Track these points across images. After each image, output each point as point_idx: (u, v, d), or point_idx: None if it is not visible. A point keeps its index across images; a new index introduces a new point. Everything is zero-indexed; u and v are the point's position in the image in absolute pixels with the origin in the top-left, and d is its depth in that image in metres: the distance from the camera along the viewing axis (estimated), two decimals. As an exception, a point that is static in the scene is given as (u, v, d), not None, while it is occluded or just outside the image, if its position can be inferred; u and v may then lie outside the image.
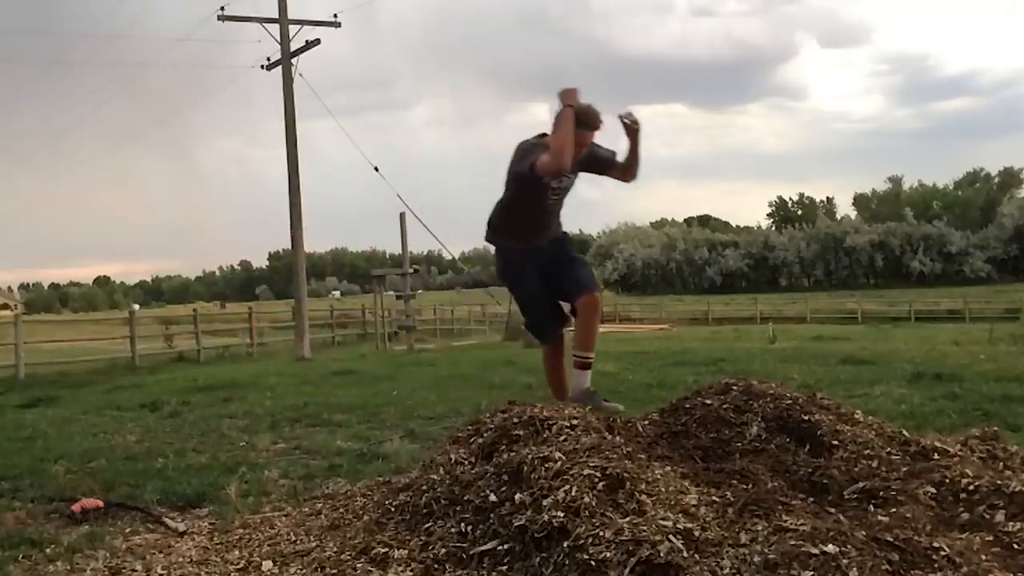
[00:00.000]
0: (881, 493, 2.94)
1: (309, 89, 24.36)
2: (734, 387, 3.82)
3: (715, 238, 73.14)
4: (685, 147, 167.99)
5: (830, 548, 2.22)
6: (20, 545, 3.46)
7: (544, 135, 4.46)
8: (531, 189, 4.44)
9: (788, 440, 3.47)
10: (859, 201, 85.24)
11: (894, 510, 2.88)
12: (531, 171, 4.31)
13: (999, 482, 2.94)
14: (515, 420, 3.30)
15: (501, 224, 4.69)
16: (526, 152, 4.41)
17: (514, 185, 4.52)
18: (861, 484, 3.04)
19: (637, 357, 11.71)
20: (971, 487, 2.94)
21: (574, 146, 4.27)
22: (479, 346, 20.09)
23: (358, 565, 2.83)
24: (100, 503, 3.97)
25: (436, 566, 2.70)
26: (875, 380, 7.12)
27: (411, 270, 21.13)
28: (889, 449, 3.42)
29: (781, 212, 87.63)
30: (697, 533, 2.39)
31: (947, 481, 2.93)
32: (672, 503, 2.63)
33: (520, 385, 8.40)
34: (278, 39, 19.07)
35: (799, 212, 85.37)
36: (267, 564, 3.07)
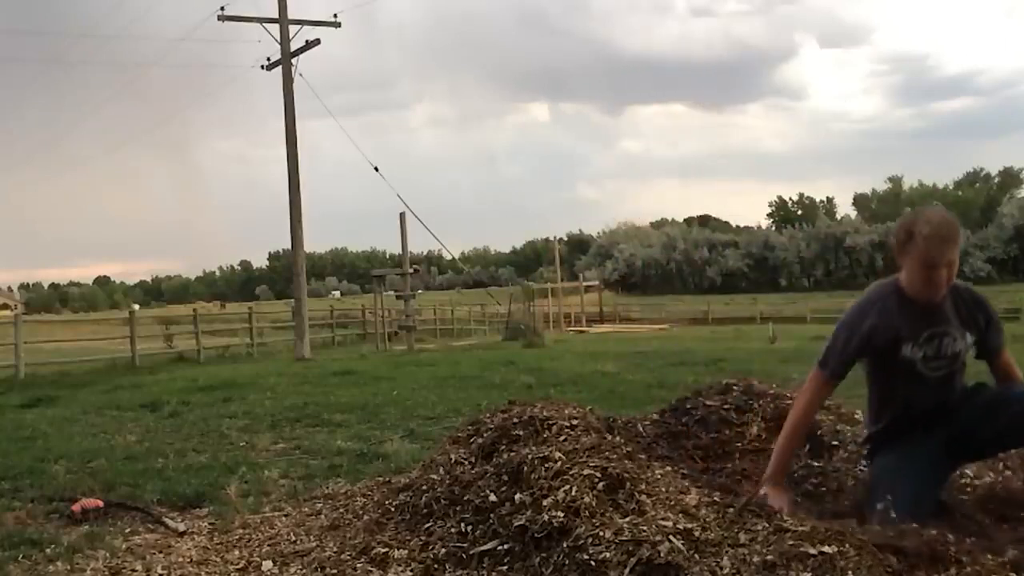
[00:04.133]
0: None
1: (309, 89, 24.41)
2: (734, 387, 3.84)
3: (715, 238, 73.10)
4: (685, 147, 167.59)
5: (828, 548, 2.23)
6: (20, 545, 3.46)
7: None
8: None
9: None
10: (859, 201, 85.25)
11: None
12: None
13: (999, 481, 2.94)
14: (515, 420, 3.30)
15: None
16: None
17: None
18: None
19: (637, 357, 11.73)
20: (971, 487, 2.94)
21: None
22: (479, 346, 20.08)
23: (358, 565, 2.84)
24: (100, 503, 3.98)
25: (436, 566, 2.70)
26: (875, 380, 7.13)
27: (411, 270, 21.13)
28: (889, 449, 3.42)
29: (781, 212, 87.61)
30: (697, 533, 2.39)
31: (947, 481, 2.93)
32: (672, 503, 2.63)
33: (520, 385, 8.41)
34: (278, 39, 19.06)
35: (799, 212, 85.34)
36: (267, 564, 3.07)
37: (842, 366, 2.84)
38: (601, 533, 2.42)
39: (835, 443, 3.45)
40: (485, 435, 3.31)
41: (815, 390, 2.90)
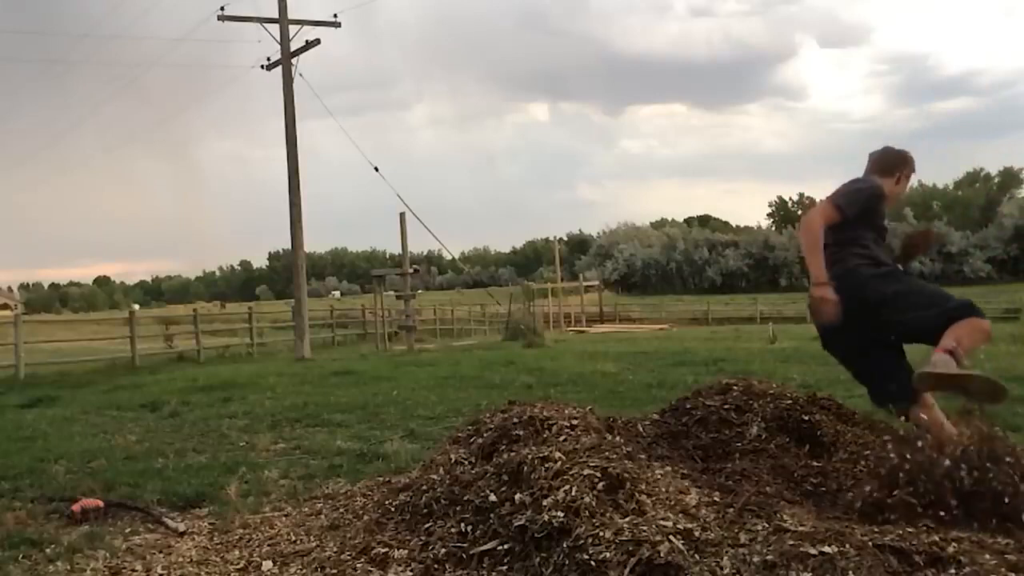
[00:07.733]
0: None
1: (309, 89, 24.41)
2: (734, 387, 3.83)
3: (715, 238, 73.08)
4: (685, 147, 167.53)
5: (828, 548, 2.22)
6: (20, 545, 3.46)
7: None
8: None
9: (788, 440, 3.48)
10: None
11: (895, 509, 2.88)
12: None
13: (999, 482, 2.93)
14: (515, 420, 3.30)
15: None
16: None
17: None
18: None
19: (637, 357, 11.71)
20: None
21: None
22: (479, 346, 20.07)
23: (358, 565, 2.84)
24: (100, 503, 3.98)
25: (436, 566, 2.70)
26: (875, 380, 7.13)
27: (411, 270, 21.10)
28: (889, 449, 3.42)
29: (781, 212, 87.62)
30: (697, 533, 2.39)
31: (947, 481, 2.92)
32: (672, 503, 2.63)
33: (520, 385, 8.40)
34: (278, 39, 19.06)
35: (799, 212, 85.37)
36: (267, 564, 3.07)
37: (852, 207, 3.44)
38: (601, 533, 2.42)
39: (835, 443, 3.45)
40: (485, 435, 3.32)
41: (823, 212, 3.42)
